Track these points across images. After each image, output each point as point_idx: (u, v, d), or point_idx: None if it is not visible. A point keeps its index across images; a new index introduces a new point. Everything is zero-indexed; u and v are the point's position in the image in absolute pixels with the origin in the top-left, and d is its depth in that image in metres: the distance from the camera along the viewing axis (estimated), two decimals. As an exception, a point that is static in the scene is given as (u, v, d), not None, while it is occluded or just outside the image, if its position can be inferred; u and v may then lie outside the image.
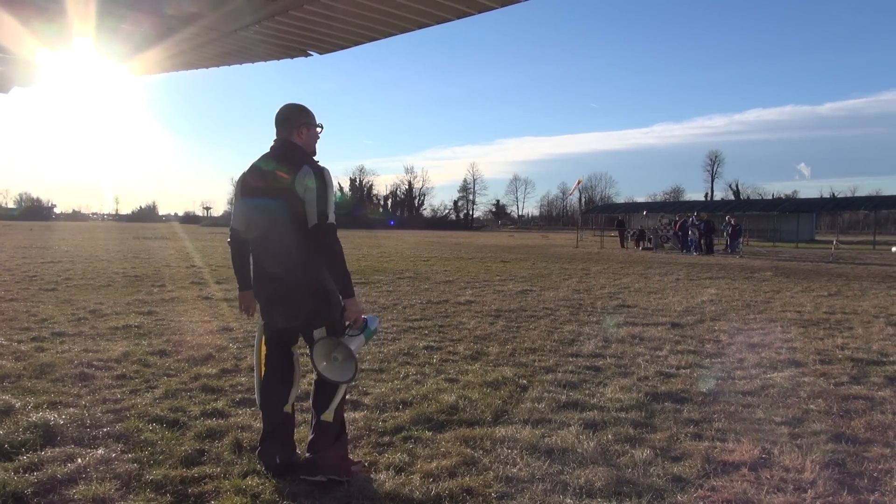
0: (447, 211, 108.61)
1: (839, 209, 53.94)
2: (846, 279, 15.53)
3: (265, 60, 5.42)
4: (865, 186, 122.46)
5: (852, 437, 4.12)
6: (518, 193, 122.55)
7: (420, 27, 4.37)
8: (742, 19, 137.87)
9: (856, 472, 3.61)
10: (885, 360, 6.34)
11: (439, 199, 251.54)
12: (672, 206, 56.45)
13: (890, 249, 31.80)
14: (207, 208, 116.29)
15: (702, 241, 27.45)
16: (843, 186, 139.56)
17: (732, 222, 30.74)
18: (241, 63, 5.58)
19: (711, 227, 27.86)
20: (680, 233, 28.84)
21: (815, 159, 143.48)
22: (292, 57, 5.19)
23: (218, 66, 5.63)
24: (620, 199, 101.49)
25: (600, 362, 6.12)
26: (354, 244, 30.49)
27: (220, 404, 4.63)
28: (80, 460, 3.56)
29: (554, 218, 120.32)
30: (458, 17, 4.13)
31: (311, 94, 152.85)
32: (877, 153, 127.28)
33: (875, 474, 3.59)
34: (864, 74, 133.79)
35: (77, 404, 4.57)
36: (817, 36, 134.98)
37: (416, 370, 5.73)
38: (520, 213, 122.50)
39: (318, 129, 3.50)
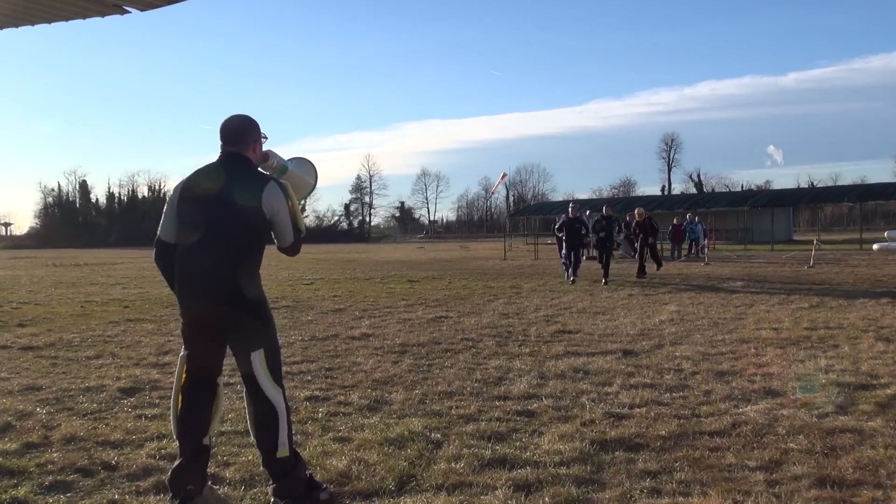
0: (336, 218, 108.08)
1: (819, 202, 57.42)
2: (829, 286, 16.54)
3: (79, 18, 5.26)
4: (848, 173, 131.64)
5: (839, 480, 4.36)
6: (428, 192, 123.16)
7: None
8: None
9: (844, 523, 3.82)
10: (875, 382, 6.79)
11: (325, 202, 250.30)
12: (623, 203, 58.33)
13: (872, 248, 34.13)
14: (7, 224, 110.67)
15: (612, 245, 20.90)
16: (822, 174, 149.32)
17: (675, 221, 32.15)
18: (49, 21, 5.41)
19: (612, 224, 20.57)
20: (560, 234, 21.24)
21: (788, 141, 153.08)
22: (104, 15, 5.05)
23: (19, 25, 5.43)
24: (558, 197, 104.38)
25: (535, 405, 6.22)
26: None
27: (22, 491, 4.39)
28: None
29: (475, 223, 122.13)
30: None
31: (133, 71, 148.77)
32: (858, 133, 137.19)
33: (866, 523, 3.81)
34: (829, 39, 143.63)
35: None
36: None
37: (296, 429, 5.60)
38: (431, 218, 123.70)
39: (264, 140, 4.32)
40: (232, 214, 4.04)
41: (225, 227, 4.05)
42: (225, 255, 4.04)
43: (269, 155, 4.36)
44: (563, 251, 19.89)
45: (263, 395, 4.13)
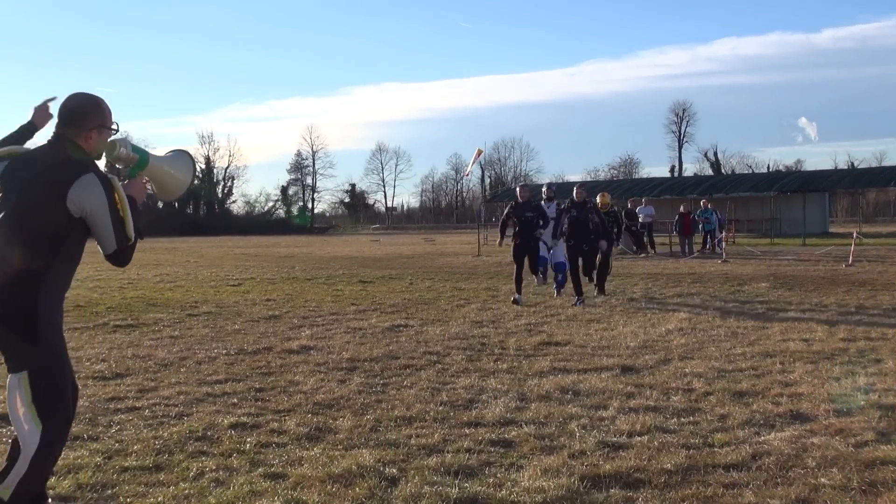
0: (272, 204, 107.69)
1: (861, 186, 58.10)
2: (872, 289, 16.82)
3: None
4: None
5: (879, 522, 4.43)
6: (385, 173, 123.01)
7: None
8: None
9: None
10: (924, 404, 6.91)
11: (258, 184, 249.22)
12: (624, 187, 58.64)
13: None
14: None
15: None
16: (864, 152, 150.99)
17: (683, 209, 32.38)
18: None
19: (587, 213, 16.15)
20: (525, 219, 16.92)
21: (823, 113, 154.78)
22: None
23: None
24: (544, 178, 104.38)
25: (513, 433, 6.25)
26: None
27: None
28: None
29: (443, 210, 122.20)
30: None
31: (18, 22, 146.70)
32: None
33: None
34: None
35: None
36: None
37: (218, 463, 5.62)
38: (389, 205, 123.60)
39: (113, 132, 4.41)
40: (25, 210, 4.15)
41: (12, 224, 4.16)
42: (4, 254, 4.13)
43: (115, 144, 4.41)
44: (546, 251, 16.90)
45: (20, 423, 4.14)
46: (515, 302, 15.10)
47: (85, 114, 4.30)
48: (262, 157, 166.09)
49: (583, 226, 15.82)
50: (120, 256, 4.28)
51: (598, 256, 16.49)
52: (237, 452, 5.88)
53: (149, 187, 4.64)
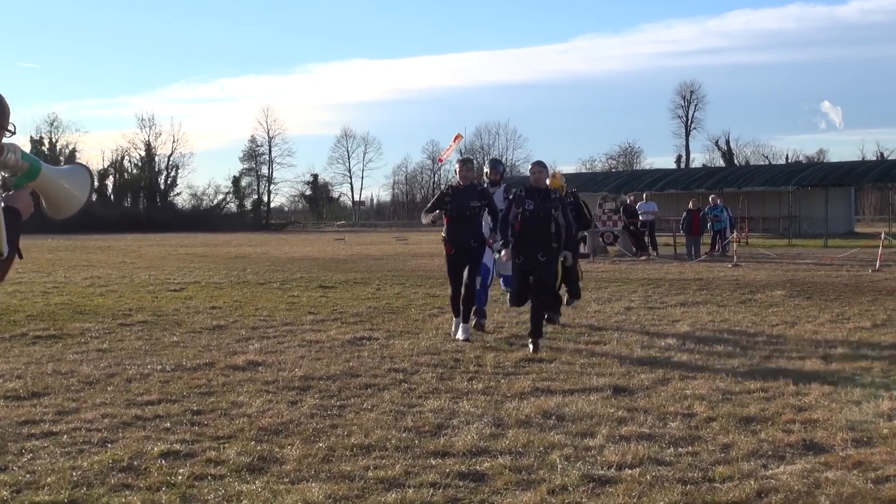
0: (222, 197, 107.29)
1: (891, 180, 58.34)
2: (901, 298, 16.87)
3: None
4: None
5: (900, 570, 4.42)
6: (351, 162, 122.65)
7: None
8: None
9: None
10: (955, 432, 6.91)
11: (206, 175, 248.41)
12: (622, 178, 58.72)
13: None
14: None
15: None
16: (895, 141, 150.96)
17: (691, 206, 32.27)
18: None
19: (548, 205, 12.14)
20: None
21: (849, 96, 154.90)
22: None
23: None
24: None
25: (485, 464, 6.22)
26: (45, 262, 29.16)
27: None
28: None
29: (418, 205, 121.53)
30: None
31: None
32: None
33: None
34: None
35: None
36: None
37: (143, 498, 5.57)
38: (357, 198, 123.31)
39: (8, 134, 4.21)
40: None
41: None
42: None
43: (3, 148, 4.30)
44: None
45: None
46: (461, 337, 12.05)
47: None
48: (210, 143, 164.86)
49: (541, 226, 11.77)
50: None
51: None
52: (167, 486, 5.82)
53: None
